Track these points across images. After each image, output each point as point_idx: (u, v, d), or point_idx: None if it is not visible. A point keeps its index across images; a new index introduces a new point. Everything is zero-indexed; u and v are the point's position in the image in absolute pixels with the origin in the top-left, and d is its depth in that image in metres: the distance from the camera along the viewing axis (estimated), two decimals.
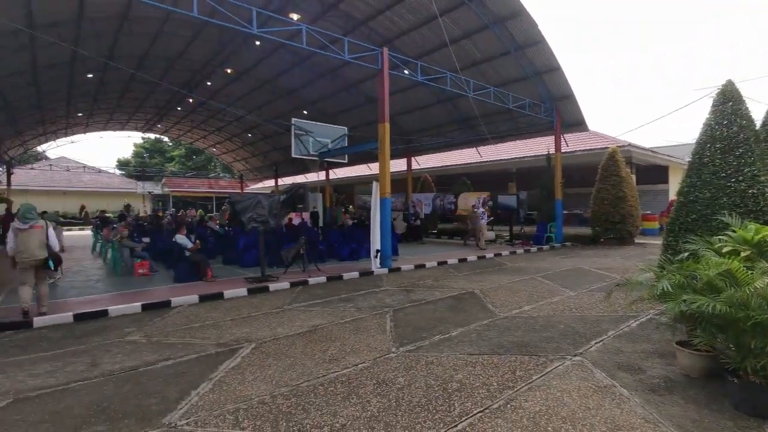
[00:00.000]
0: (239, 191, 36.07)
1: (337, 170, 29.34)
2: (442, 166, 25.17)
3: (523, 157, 21.11)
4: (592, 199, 15.58)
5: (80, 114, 23.12)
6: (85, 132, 27.89)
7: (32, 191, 31.60)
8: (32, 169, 34.02)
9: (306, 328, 5.42)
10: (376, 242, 10.16)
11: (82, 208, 33.67)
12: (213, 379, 3.81)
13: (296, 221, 15.20)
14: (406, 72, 12.70)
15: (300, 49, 10.72)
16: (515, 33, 13.25)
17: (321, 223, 18.76)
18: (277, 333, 5.24)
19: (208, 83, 19.66)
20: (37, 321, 5.75)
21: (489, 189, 19.43)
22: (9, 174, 26.59)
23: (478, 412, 3.11)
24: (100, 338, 5.16)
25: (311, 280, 8.71)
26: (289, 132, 12.69)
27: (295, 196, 9.76)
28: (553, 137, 16.07)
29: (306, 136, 12.67)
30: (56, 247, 6.07)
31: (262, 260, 8.81)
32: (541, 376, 3.74)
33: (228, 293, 7.45)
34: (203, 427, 2.97)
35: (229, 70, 18.01)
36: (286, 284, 8.26)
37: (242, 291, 7.66)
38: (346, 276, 9.28)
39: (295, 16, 12.68)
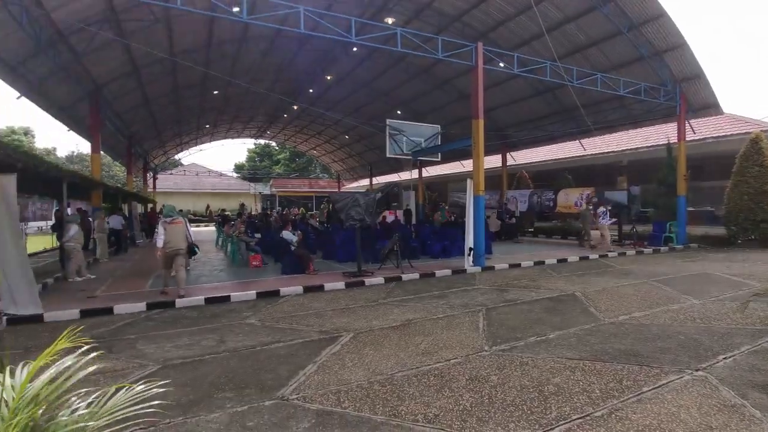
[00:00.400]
0: (337, 190, 38.24)
1: (429, 168, 29.45)
2: (540, 161, 23.78)
3: (637, 148, 19.00)
4: (727, 193, 13.44)
5: (207, 125, 26.72)
6: (210, 141, 32.23)
7: (170, 192, 37.33)
8: (171, 174, 40.17)
9: (400, 322, 5.63)
10: (469, 240, 10.06)
11: (207, 207, 38.79)
12: (317, 362, 4.21)
13: (389, 219, 15.67)
14: (501, 65, 12.29)
15: (394, 51, 11.03)
16: (628, 9, 11.94)
17: (414, 221, 19.04)
18: (373, 325, 5.54)
19: (310, 90, 21.22)
20: (179, 302, 6.87)
21: (594, 184, 17.87)
22: (154, 179, 31.88)
23: (578, 419, 2.97)
24: (226, 320, 5.99)
25: (404, 277, 8.96)
26: (384, 132, 13.16)
27: (390, 195, 10.10)
28: (675, 124, 14.18)
29: (400, 135, 13.01)
30: (192, 239, 7.30)
31: (358, 256, 9.30)
32: (653, 389, 3.42)
33: (328, 286, 8.05)
34: (310, 403, 3.32)
35: (328, 77, 19.21)
36: (380, 279, 8.64)
37: (340, 284, 8.20)
38: (438, 273, 9.36)
39: (389, 20, 13.07)
